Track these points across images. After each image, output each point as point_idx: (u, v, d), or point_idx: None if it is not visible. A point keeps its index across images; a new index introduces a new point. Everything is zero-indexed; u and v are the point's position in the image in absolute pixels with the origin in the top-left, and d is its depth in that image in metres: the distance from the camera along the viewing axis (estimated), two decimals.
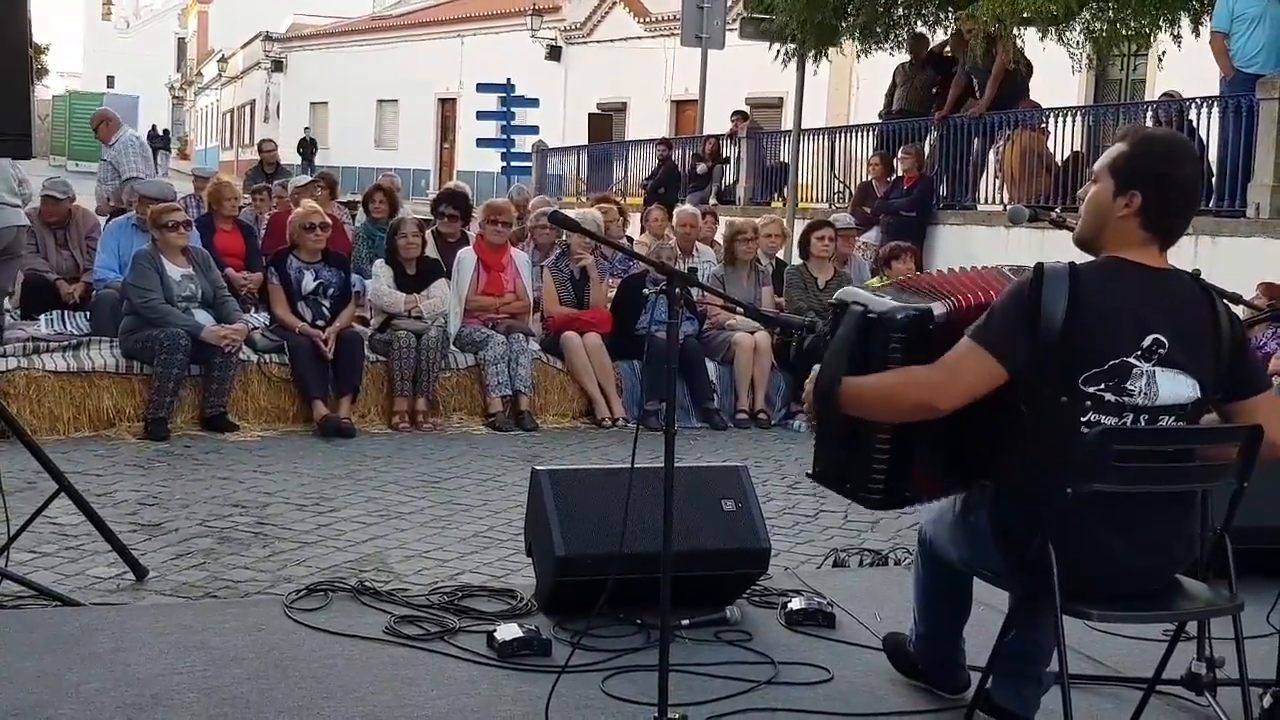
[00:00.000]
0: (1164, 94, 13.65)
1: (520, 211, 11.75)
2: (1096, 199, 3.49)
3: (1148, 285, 3.40)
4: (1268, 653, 4.03)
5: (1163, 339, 3.34)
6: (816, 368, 3.67)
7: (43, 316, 9.34)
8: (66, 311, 9.47)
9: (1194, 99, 12.78)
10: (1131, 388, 3.35)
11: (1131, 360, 3.34)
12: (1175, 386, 3.38)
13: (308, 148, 40.14)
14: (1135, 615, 3.67)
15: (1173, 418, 3.40)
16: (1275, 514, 4.00)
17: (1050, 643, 3.81)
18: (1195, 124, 12.49)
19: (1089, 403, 3.35)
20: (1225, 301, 3.57)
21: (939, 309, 3.59)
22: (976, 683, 3.82)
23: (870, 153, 16.58)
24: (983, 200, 15.47)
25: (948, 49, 16.39)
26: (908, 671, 4.28)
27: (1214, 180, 12.39)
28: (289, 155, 41.51)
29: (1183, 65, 14.93)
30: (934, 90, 16.18)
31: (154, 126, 55.54)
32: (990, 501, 3.56)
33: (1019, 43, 14.95)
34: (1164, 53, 14.83)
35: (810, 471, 3.92)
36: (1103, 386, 3.35)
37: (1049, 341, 3.33)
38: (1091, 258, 3.49)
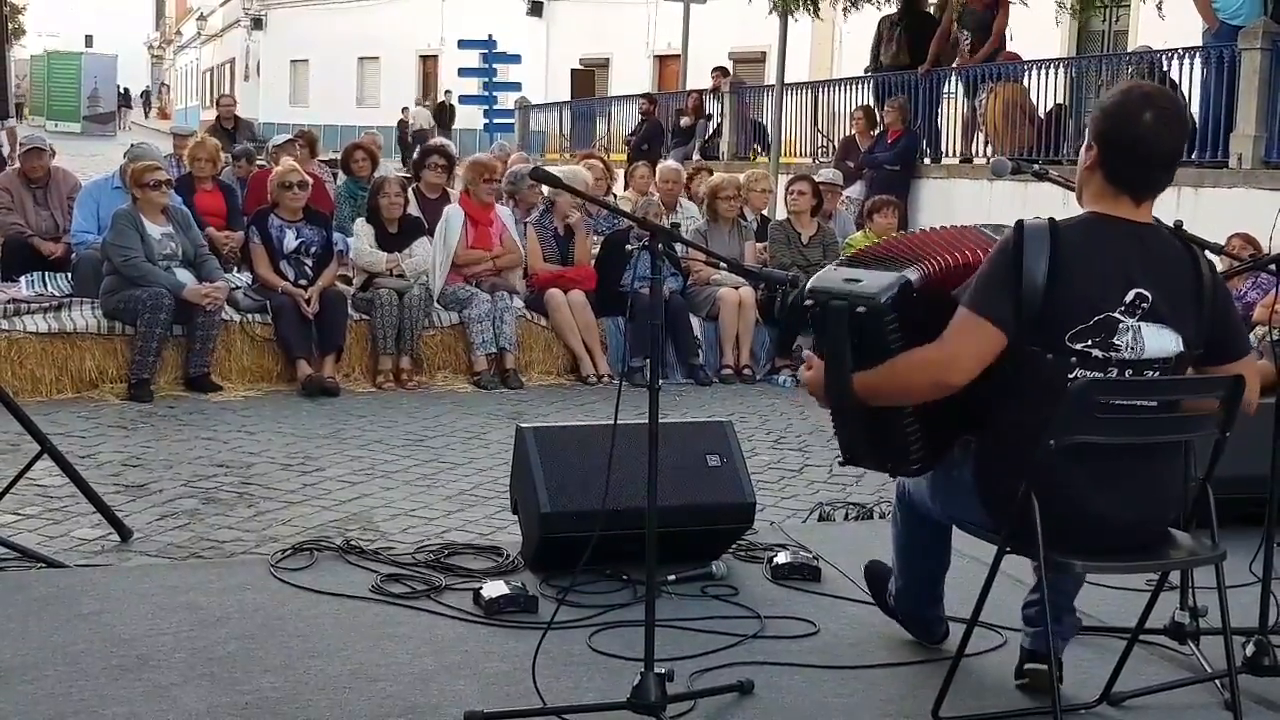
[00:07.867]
0: (1140, 47, 13.60)
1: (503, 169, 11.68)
2: (1082, 151, 3.52)
3: (1129, 239, 3.41)
4: (1250, 601, 4.05)
5: (1146, 293, 3.36)
6: (814, 359, 3.67)
7: (23, 278, 9.28)
8: (47, 272, 9.40)
9: (1174, 50, 12.73)
10: (1118, 342, 3.36)
11: (1116, 315, 3.35)
12: (1160, 340, 3.40)
13: (447, 114, 36.20)
14: (1119, 566, 3.70)
15: (1156, 371, 3.42)
16: (1256, 463, 4.00)
17: (1068, 590, 3.83)
18: (1170, 74, 12.41)
19: (1075, 359, 3.36)
20: (1207, 254, 3.58)
21: (914, 275, 3.56)
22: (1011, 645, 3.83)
23: (854, 107, 16.53)
24: (969, 153, 15.43)
25: (930, 6, 16.31)
26: (882, 602, 4.29)
27: (1197, 131, 12.37)
28: (270, 114, 41.05)
29: (1168, 15, 14.88)
30: (921, 44, 16.11)
31: (118, 87, 55.05)
32: (974, 457, 3.56)
33: None
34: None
35: (841, 460, 3.90)
36: (1090, 343, 3.36)
37: (1032, 301, 3.33)
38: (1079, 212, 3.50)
